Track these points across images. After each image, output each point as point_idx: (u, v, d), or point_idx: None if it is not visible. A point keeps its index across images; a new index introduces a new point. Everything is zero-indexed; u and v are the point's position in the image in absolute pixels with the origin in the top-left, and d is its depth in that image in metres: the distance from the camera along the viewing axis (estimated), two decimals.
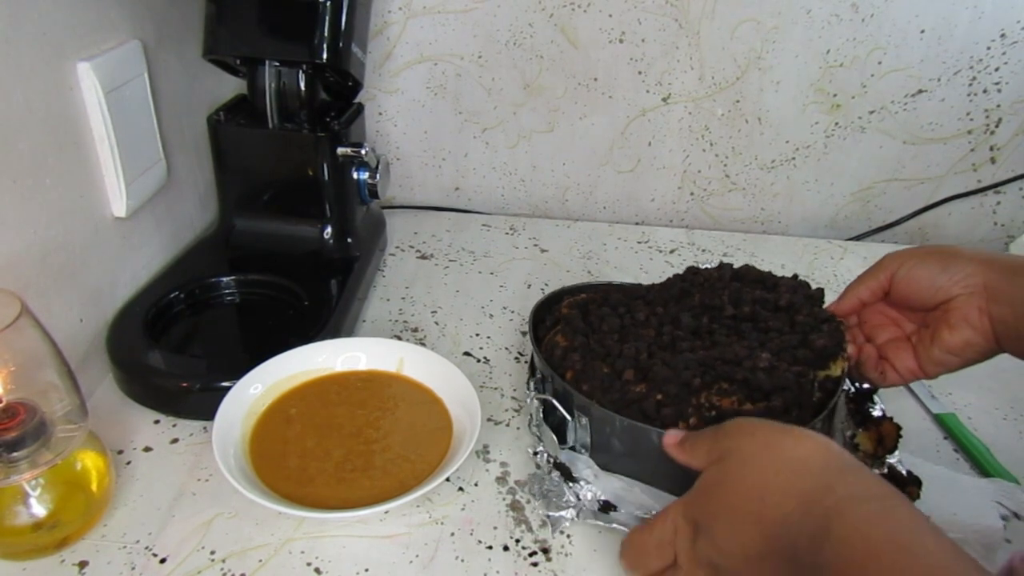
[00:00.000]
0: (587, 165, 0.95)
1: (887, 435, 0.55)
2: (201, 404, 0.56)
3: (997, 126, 0.88)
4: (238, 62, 0.71)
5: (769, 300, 0.56)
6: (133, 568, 0.47)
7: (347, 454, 0.54)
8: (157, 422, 0.58)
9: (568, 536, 0.51)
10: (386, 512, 0.51)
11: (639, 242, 0.92)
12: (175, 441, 0.57)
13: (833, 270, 0.88)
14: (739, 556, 0.35)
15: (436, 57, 0.88)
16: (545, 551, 0.50)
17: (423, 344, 0.69)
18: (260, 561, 0.48)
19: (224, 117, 0.71)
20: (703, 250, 0.91)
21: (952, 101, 0.87)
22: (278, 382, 0.58)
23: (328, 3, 0.66)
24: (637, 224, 0.98)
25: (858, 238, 0.97)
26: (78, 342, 0.59)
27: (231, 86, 0.79)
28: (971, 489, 0.53)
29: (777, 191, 0.95)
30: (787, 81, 0.87)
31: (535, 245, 0.90)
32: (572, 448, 0.53)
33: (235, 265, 0.72)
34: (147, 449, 0.56)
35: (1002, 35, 0.82)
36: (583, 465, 0.52)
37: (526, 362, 0.68)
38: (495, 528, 0.51)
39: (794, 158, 0.92)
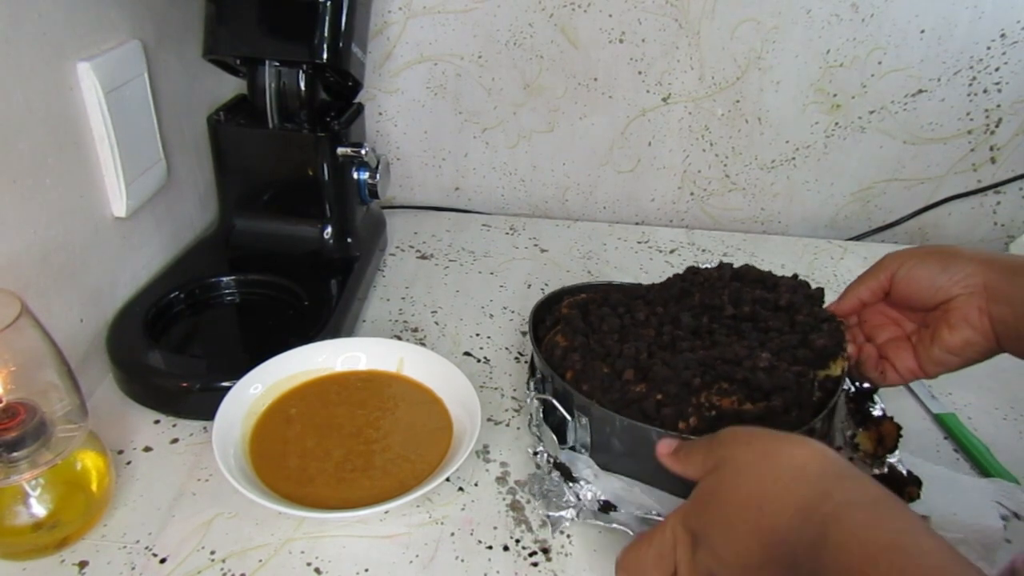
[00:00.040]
0: (587, 165, 0.95)
1: (887, 435, 0.55)
2: (201, 404, 0.56)
3: (997, 126, 0.88)
4: (238, 62, 0.71)
5: (769, 300, 0.56)
6: (133, 568, 0.47)
7: (347, 454, 0.54)
8: (157, 422, 0.58)
9: (568, 536, 0.51)
10: (386, 512, 0.51)
11: (639, 242, 0.92)
12: (175, 441, 0.57)
13: (833, 270, 0.88)
14: (739, 566, 0.35)
15: (436, 57, 0.88)
16: (545, 551, 0.50)
17: (423, 344, 0.69)
18: (260, 561, 0.48)
19: (224, 117, 0.71)
20: (703, 250, 0.91)
21: (952, 101, 0.87)
22: (278, 382, 0.58)
23: (328, 3, 0.66)
24: (637, 224, 0.98)
25: (858, 238, 0.97)
26: (78, 342, 0.59)
27: (231, 86, 0.79)
28: (971, 489, 0.53)
29: (777, 191, 0.95)
30: (787, 81, 0.87)
31: (535, 245, 0.90)
32: (572, 448, 0.53)
33: (235, 265, 0.72)
34: (147, 449, 0.56)
35: (1002, 35, 0.82)
36: (583, 465, 0.52)
37: (526, 362, 0.68)
38: (495, 528, 0.51)
39: (794, 158, 0.92)
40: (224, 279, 0.70)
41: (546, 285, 0.81)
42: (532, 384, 0.58)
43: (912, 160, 0.91)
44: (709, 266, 0.62)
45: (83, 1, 0.57)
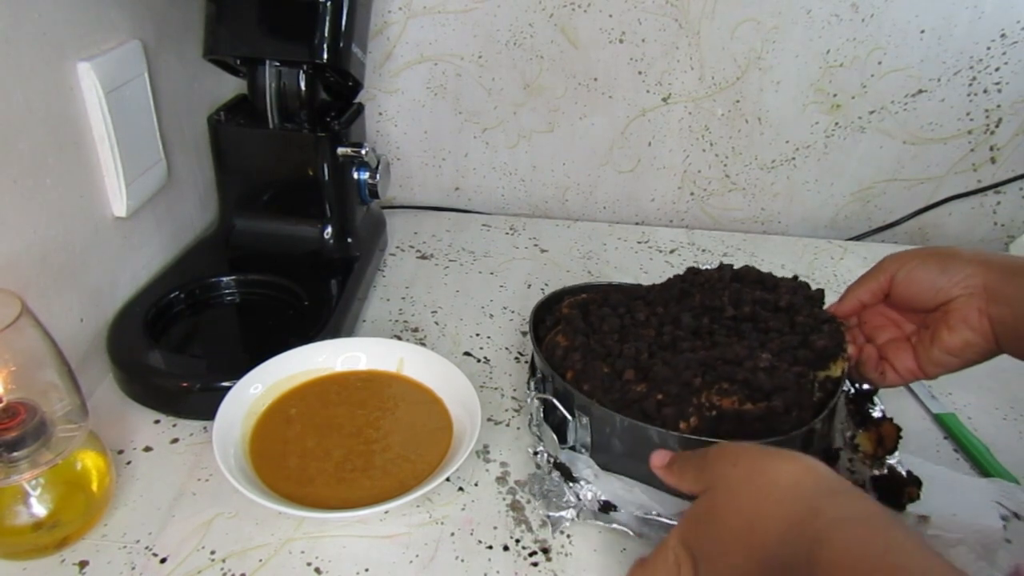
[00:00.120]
0: (587, 165, 0.95)
1: (887, 436, 0.55)
2: (201, 404, 0.56)
3: (997, 126, 0.88)
4: (238, 62, 0.71)
5: (769, 301, 0.56)
6: (133, 568, 0.47)
7: (347, 454, 0.54)
8: (157, 422, 0.58)
9: (568, 536, 0.51)
10: (386, 512, 0.51)
11: (639, 242, 0.92)
12: (175, 441, 0.57)
13: (833, 270, 0.88)
14: None
15: (436, 57, 0.88)
16: (545, 551, 0.50)
17: (423, 344, 0.69)
18: (260, 561, 0.48)
19: (224, 117, 0.71)
20: (703, 250, 0.91)
21: (952, 101, 0.87)
22: (278, 382, 0.58)
23: (328, 3, 0.66)
24: (637, 224, 0.98)
25: (858, 238, 0.97)
26: (78, 342, 0.59)
27: (231, 86, 0.79)
28: (971, 489, 0.53)
29: (777, 191, 0.95)
30: (787, 81, 0.87)
31: (535, 245, 0.90)
32: (572, 448, 0.53)
33: (235, 265, 0.72)
34: (147, 449, 0.56)
35: (1002, 35, 0.82)
36: (583, 465, 0.52)
37: (526, 362, 0.68)
38: (495, 528, 0.51)
39: (794, 158, 0.92)
40: (224, 279, 0.70)
41: (546, 285, 0.81)
42: (532, 384, 0.58)
43: (912, 160, 0.91)
44: (709, 267, 0.62)
45: (83, 1, 0.57)
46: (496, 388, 0.65)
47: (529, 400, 0.57)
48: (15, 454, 0.43)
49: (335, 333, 0.64)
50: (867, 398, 0.59)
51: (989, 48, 0.83)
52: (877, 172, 0.93)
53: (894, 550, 0.30)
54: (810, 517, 0.33)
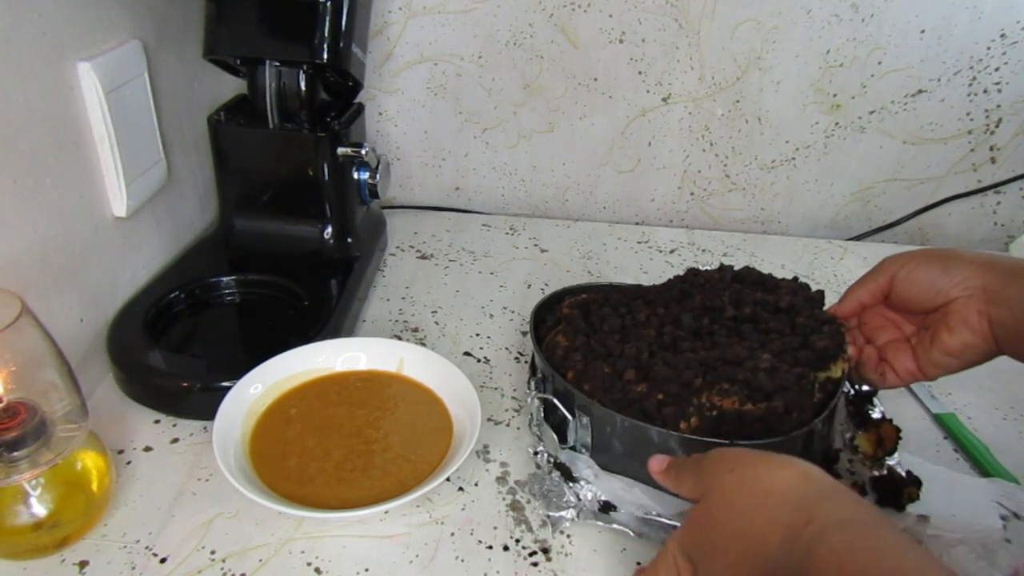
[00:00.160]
0: (587, 165, 0.95)
1: (887, 437, 0.55)
2: (201, 404, 0.56)
3: (997, 126, 0.88)
4: (238, 62, 0.71)
5: (770, 302, 0.56)
6: (133, 568, 0.47)
7: (347, 454, 0.54)
8: (157, 422, 0.58)
9: (568, 536, 0.51)
10: (386, 512, 0.51)
11: (639, 242, 0.92)
12: (175, 441, 0.57)
13: (833, 270, 0.88)
14: None
15: (436, 57, 0.88)
16: (545, 551, 0.50)
17: (423, 344, 0.69)
18: (260, 561, 0.48)
19: (224, 117, 0.71)
20: (703, 250, 0.91)
21: (952, 101, 0.87)
22: (278, 382, 0.58)
23: (328, 3, 0.66)
24: (637, 224, 0.98)
25: (858, 238, 0.97)
26: (78, 342, 0.59)
27: (231, 86, 0.79)
28: (971, 489, 0.53)
29: (777, 191, 0.95)
30: (787, 81, 0.87)
31: (535, 245, 0.90)
32: (572, 448, 0.53)
33: (235, 265, 0.72)
34: (147, 449, 0.56)
35: (1002, 35, 0.82)
36: (583, 465, 0.52)
37: (526, 362, 0.68)
38: (495, 528, 0.51)
39: (794, 158, 0.92)
40: (224, 279, 0.70)
41: (546, 285, 0.81)
42: (533, 384, 0.58)
43: (912, 160, 0.91)
44: (710, 267, 0.62)
45: (83, 1, 0.57)
46: (496, 388, 0.65)
47: (529, 400, 0.57)
48: (15, 454, 0.43)
49: (335, 333, 0.64)
50: (867, 399, 0.59)
51: (989, 48, 0.83)
52: (877, 172, 0.93)
53: (885, 552, 0.30)
54: (804, 522, 0.33)
